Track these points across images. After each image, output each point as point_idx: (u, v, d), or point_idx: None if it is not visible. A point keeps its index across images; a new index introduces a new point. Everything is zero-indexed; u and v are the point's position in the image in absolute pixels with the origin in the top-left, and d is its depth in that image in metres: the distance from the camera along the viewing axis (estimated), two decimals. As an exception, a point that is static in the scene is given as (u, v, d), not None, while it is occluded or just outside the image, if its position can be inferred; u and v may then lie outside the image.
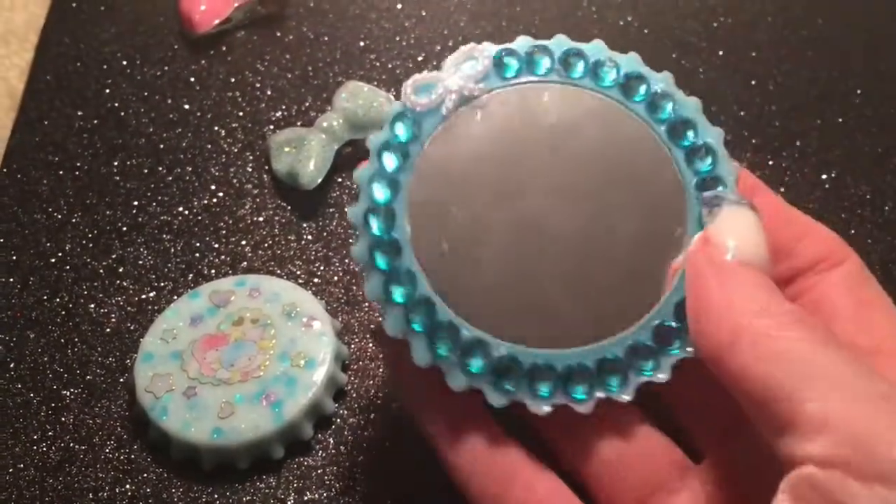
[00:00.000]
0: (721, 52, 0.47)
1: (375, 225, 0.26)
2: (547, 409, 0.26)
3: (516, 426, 0.27)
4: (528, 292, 0.27)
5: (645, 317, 0.26)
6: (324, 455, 0.33)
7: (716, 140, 0.27)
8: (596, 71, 0.28)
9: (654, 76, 0.28)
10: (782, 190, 0.41)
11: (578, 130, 0.28)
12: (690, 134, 0.27)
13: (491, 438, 0.26)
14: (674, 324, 0.26)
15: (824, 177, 0.41)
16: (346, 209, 0.31)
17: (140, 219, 0.40)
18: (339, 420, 0.34)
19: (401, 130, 0.27)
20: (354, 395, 0.35)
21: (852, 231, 0.39)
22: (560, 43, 0.29)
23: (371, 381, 0.35)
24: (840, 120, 0.44)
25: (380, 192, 0.27)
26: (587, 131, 0.28)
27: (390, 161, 0.27)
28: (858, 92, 0.45)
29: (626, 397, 0.26)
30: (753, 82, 0.45)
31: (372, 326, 0.36)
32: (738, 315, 0.22)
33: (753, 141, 0.43)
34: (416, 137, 0.27)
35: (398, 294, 0.26)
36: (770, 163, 0.42)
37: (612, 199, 0.27)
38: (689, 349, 0.25)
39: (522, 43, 0.28)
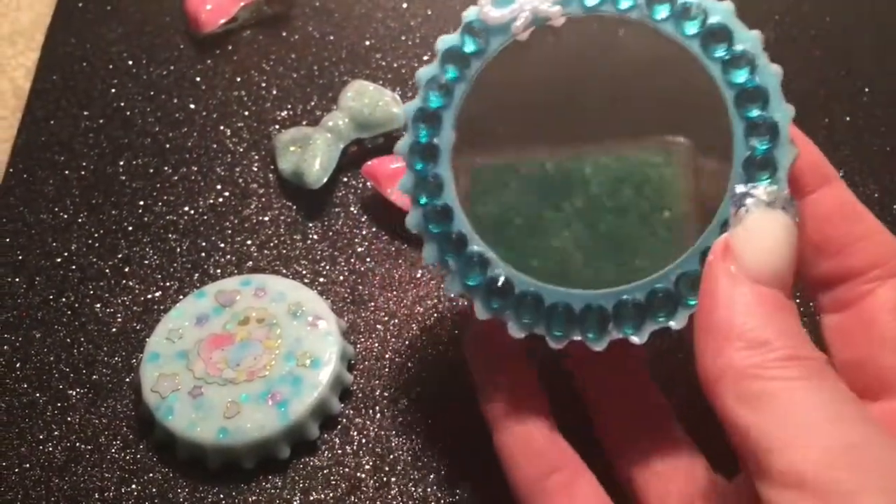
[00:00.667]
0: (728, 51, 0.47)
1: (420, 132, 0.27)
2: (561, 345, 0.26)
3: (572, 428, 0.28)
4: (555, 231, 0.27)
5: (671, 264, 0.26)
6: (330, 455, 0.33)
7: (783, 119, 0.26)
8: (680, 16, 0.26)
9: (742, 34, 0.26)
10: (790, 189, 0.41)
11: (643, 76, 0.27)
12: (757, 107, 0.26)
13: (543, 426, 0.27)
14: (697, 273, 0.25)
15: (832, 176, 0.41)
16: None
17: (146, 218, 0.40)
18: (344, 420, 0.34)
19: (468, 41, 0.27)
20: (360, 394, 0.35)
21: (861, 230, 0.39)
22: None
23: (377, 381, 0.35)
24: (848, 119, 0.43)
25: (434, 98, 0.27)
26: (652, 80, 0.27)
27: (449, 70, 0.27)
28: (866, 91, 0.44)
29: (636, 340, 0.26)
30: (761, 81, 0.45)
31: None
32: (732, 346, 0.22)
33: (761, 140, 0.42)
34: (482, 51, 0.27)
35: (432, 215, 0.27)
36: (778, 162, 0.42)
37: (658, 146, 0.27)
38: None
39: None
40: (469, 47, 0.27)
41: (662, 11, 0.26)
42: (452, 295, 0.28)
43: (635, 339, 0.26)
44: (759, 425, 0.20)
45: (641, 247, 0.26)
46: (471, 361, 0.30)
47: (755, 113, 0.26)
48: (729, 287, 0.22)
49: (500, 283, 0.26)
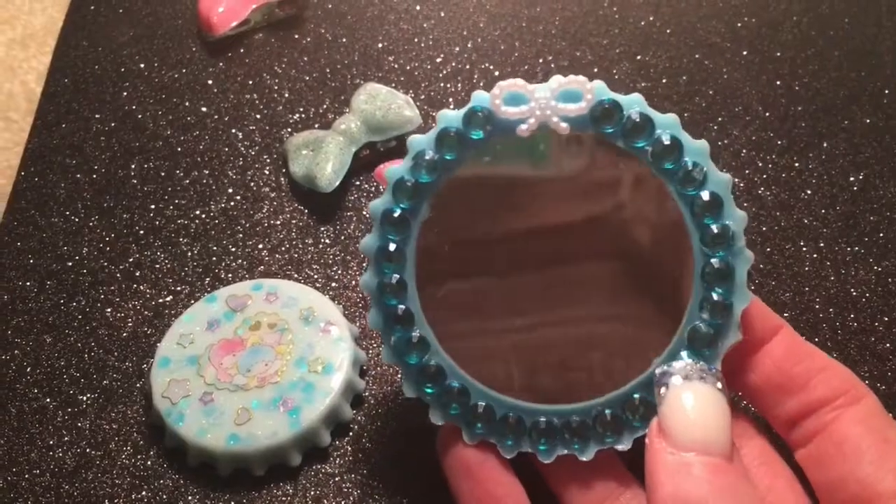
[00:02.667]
0: (745, 53, 0.46)
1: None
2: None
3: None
4: (529, 353, 0.29)
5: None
6: (341, 462, 0.33)
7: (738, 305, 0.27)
8: (683, 179, 0.26)
9: (734, 212, 0.27)
10: (808, 192, 0.40)
11: (618, 203, 0.28)
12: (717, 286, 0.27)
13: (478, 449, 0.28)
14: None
15: (852, 179, 0.40)
16: (366, 206, 0.31)
17: (157, 222, 0.40)
18: (356, 427, 0.34)
19: (481, 130, 0.27)
20: (372, 401, 0.34)
21: (881, 234, 0.38)
22: (632, 102, 0.27)
23: (389, 387, 0.34)
24: (868, 121, 0.43)
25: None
26: (625, 208, 0.28)
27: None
28: (886, 92, 0.44)
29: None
30: (779, 83, 0.44)
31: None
32: None
33: (779, 143, 0.42)
34: (487, 139, 0.27)
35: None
36: (797, 165, 0.41)
37: (626, 275, 0.28)
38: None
39: (636, 99, 0.27)
40: (476, 134, 0.27)
41: (667, 163, 0.26)
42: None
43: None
44: None
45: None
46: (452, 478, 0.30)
47: (714, 292, 0.26)
48: (667, 464, 0.24)
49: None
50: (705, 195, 0.26)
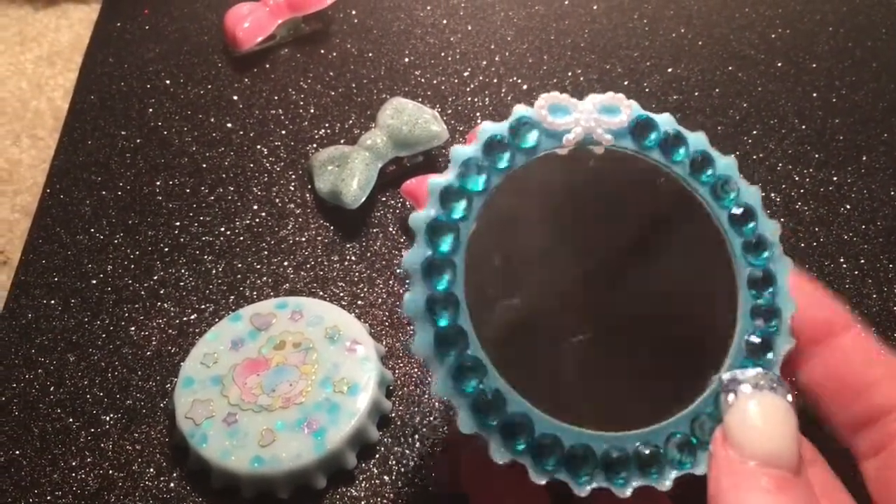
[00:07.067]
0: (780, 64, 0.45)
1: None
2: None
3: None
4: (577, 374, 0.26)
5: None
6: (367, 485, 0.32)
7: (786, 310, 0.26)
8: (715, 189, 0.27)
9: (765, 221, 0.27)
10: (848, 207, 0.39)
11: (658, 217, 0.27)
12: (764, 292, 0.26)
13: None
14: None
15: (893, 193, 0.39)
16: (407, 220, 0.29)
17: (182, 239, 0.39)
18: (382, 448, 0.33)
19: (530, 138, 0.26)
20: (399, 422, 0.33)
21: (925, 250, 0.37)
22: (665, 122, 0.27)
23: (416, 408, 0.34)
24: (909, 133, 0.41)
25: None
26: (665, 221, 0.27)
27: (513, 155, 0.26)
28: (928, 104, 0.42)
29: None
30: (815, 95, 0.43)
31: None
32: None
33: (816, 156, 0.41)
34: (536, 147, 0.26)
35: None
36: (835, 179, 0.40)
37: (669, 293, 0.27)
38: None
39: (668, 118, 0.27)
40: (531, 143, 0.26)
41: (703, 176, 0.26)
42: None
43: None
44: None
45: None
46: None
47: (762, 298, 0.26)
48: (732, 474, 0.23)
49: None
50: (740, 206, 0.26)
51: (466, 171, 0.26)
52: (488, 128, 0.26)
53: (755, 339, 0.26)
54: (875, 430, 0.25)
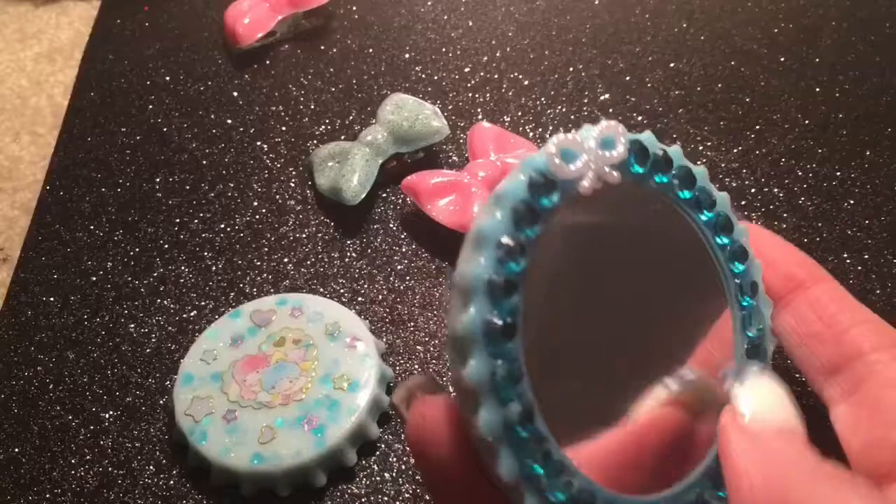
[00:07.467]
0: (783, 59, 0.45)
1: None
2: None
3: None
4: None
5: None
6: (368, 482, 0.32)
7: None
8: (700, 202, 0.26)
9: (738, 227, 0.26)
10: (851, 202, 0.38)
11: (665, 244, 0.26)
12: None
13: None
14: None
15: (897, 188, 0.39)
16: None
17: (182, 236, 0.39)
18: (383, 445, 0.33)
19: (549, 198, 0.23)
20: (399, 419, 0.33)
21: (929, 246, 0.37)
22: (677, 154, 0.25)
23: (417, 405, 0.33)
24: (913, 128, 0.41)
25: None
26: (670, 248, 0.26)
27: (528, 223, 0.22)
28: (932, 98, 0.42)
29: None
30: (818, 90, 0.43)
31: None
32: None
33: (820, 151, 0.40)
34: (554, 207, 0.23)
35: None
36: (838, 174, 0.40)
37: (686, 318, 0.26)
38: None
39: (651, 140, 0.25)
40: (548, 201, 0.23)
41: (686, 192, 0.25)
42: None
43: None
44: None
45: None
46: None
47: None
48: (744, 441, 0.22)
49: None
50: (721, 216, 0.26)
51: (510, 253, 0.22)
52: (508, 194, 0.22)
53: (756, 342, 0.26)
54: (846, 375, 0.26)
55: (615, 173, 0.24)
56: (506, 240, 0.21)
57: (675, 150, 0.26)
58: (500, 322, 0.21)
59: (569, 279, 0.24)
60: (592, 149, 0.23)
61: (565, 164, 0.23)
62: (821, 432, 0.26)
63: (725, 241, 0.26)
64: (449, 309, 0.22)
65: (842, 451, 0.26)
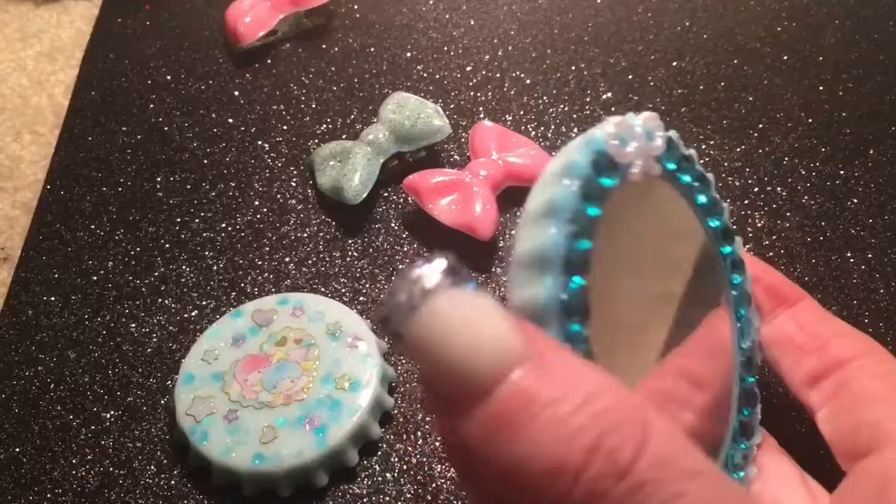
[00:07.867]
0: (786, 57, 0.44)
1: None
2: None
3: None
4: None
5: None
6: (369, 482, 0.32)
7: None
8: (711, 209, 0.26)
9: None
10: (855, 201, 0.38)
11: (686, 242, 0.26)
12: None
13: None
14: None
15: (901, 187, 0.39)
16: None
17: (183, 235, 0.39)
18: (385, 446, 0.32)
19: (611, 178, 0.22)
20: (401, 419, 0.33)
21: (933, 245, 0.37)
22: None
23: (418, 405, 0.33)
24: (916, 126, 0.41)
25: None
26: (687, 245, 0.26)
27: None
28: (936, 97, 0.42)
29: None
30: (821, 88, 0.43)
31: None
32: None
33: (823, 150, 0.40)
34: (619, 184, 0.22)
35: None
36: (842, 173, 0.39)
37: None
38: None
39: (678, 138, 0.25)
40: (610, 182, 0.22)
41: (702, 196, 0.26)
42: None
43: None
44: None
45: None
46: None
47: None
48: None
49: None
50: (726, 226, 0.26)
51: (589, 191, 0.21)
52: (576, 168, 0.21)
53: (755, 349, 0.27)
54: (828, 382, 0.27)
55: (657, 166, 0.24)
56: (577, 215, 0.20)
57: (693, 154, 0.26)
58: (574, 301, 0.20)
59: (618, 265, 0.23)
60: (641, 136, 0.23)
61: (622, 147, 0.22)
62: (810, 435, 0.27)
63: (728, 250, 0.26)
64: (514, 276, 0.20)
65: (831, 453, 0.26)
